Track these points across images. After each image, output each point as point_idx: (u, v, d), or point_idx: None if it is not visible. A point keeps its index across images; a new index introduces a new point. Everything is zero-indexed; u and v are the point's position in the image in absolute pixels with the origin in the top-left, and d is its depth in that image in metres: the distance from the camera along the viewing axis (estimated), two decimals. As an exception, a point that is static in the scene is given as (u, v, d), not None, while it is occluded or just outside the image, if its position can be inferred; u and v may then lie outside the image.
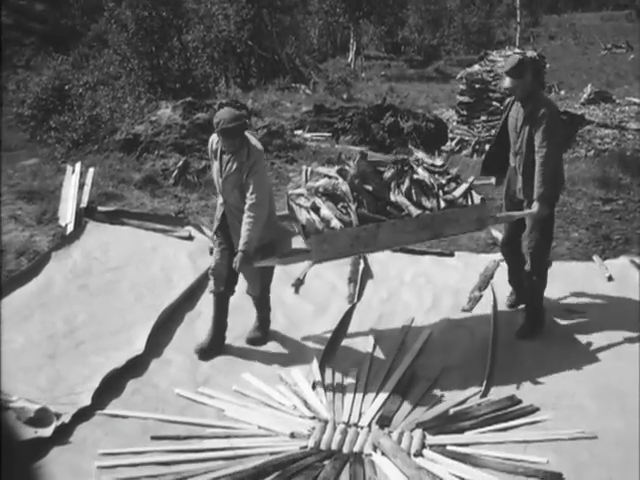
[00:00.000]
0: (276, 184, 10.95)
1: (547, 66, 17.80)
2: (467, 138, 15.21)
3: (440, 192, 6.72)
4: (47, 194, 9.74)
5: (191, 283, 7.83)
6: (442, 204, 6.64)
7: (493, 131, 14.85)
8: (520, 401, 6.17)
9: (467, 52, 27.78)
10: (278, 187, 10.86)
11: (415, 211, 6.53)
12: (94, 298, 7.68)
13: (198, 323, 7.24)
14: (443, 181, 6.80)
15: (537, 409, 6.05)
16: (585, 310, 7.38)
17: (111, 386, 6.23)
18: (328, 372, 6.54)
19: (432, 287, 7.84)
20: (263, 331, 7.04)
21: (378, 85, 22.03)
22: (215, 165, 6.63)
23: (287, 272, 7.88)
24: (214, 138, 6.62)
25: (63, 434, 5.61)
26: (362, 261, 8.40)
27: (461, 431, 5.86)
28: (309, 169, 7.14)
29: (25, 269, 8.01)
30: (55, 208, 9.28)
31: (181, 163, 11.14)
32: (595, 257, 8.50)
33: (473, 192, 6.81)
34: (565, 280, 7.79)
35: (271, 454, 5.51)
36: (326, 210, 6.51)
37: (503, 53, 16.60)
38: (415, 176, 6.78)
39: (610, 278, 7.97)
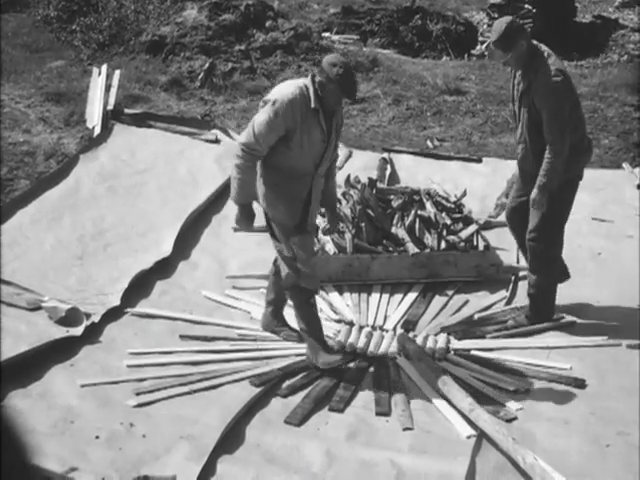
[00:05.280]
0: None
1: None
2: (498, 42, 14.87)
3: (444, 232, 6.59)
4: (74, 96, 9.70)
5: (218, 186, 7.84)
6: (443, 245, 6.53)
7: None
8: (545, 307, 6.19)
9: (500, -48, 27.02)
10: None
11: (412, 249, 6.44)
12: (122, 200, 7.72)
13: (225, 226, 7.26)
14: (448, 221, 6.65)
15: (562, 316, 6.09)
16: (613, 218, 7.34)
17: (139, 287, 6.31)
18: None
19: (459, 193, 7.82)
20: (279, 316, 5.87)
21: (407, -14, 21.48)
22: (299, 135, 5.03)
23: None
24: (298, 97, 5.00)
25: (93, 333, 5.70)
26: (389, 166, 8.36)
27: (485, 336, 5.92)
28: None
29: (54, 171, 8.06)
30: (82, 110, 9.26)
31: (207, 65, 11.02)
32: (625, 165, 8.41)
33: (480, 237, 6.67)
34: (593, 187, 7.71)
35: (297, 355, 5.58)
36: (324, 232, 6.46)
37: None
38: (420, 212, 6.68)
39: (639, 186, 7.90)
